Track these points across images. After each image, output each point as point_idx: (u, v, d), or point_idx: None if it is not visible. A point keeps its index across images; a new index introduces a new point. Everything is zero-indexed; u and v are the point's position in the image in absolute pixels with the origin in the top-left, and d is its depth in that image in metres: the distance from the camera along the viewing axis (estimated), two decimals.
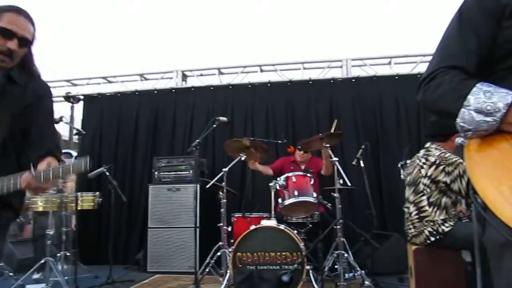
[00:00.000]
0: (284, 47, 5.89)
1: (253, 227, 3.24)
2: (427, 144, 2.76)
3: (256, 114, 5.28)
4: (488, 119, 0.85)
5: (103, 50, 6.51)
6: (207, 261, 3.75)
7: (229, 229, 3.73)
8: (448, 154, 2.55)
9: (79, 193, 4.04)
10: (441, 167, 2.53)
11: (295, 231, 3.30)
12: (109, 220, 4.35)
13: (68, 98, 5.29)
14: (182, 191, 4.55)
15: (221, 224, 3.66)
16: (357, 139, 4.85)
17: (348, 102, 5.09)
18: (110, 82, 6.04)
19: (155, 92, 5.69)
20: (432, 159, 2.60)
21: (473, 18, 0.97)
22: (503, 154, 0.85)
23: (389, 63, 5.34)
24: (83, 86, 6.06)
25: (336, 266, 3.40)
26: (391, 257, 3.82)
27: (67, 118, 4.11)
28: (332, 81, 5.25)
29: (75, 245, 3.99)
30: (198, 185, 4.06)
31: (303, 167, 4.14)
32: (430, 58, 1.07)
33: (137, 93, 5.74)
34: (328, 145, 3.48)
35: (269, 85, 5.39)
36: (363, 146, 3.99)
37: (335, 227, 3.26)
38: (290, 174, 3.58)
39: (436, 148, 2.65)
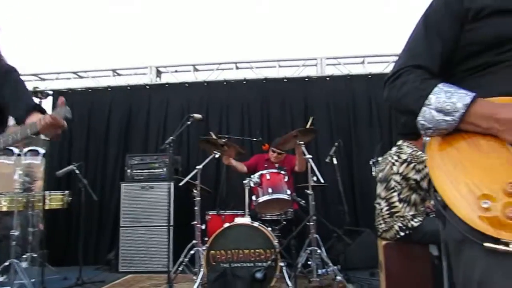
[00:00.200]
0: (260, 44, 5.87)
1: (227, 224, 3.23)
2: (399, 142, 2.82)
3: (231, 111, 5.26)
4: (448, 118, 0.87)
5: (73, 44, 6.28)
6: (180, 259, 3.72)
7: (203, 227, 3.70)
8: (420, 152, 2.62)
9: (47, 192, 3.90)
10: (412, 165, 2.60)
11: (269, 228, 3.31)
12: (79, 220, 4.22)
13: (35, 93, 5.02)
14: (156, 189, 4.48)
15: (195, 222, 3.63)
16: (331, 136, 4.92)
17: (322, 100, 5.15)
18: (81, 77, 5.85)
19: (128, 88, 5.56)
20: (404, 156, 2.66)
21: (438, 20, 0.99)
22: (461, 153, 0.87)
23: (363, 62, 5.43)
24: (52, 81, 5.85)
25: (309, 262, 3.44)
26: (362, 252, 3.91)
27: None
28: (307, 79, 5.30)
29: (43, 246, 3.85)
30: (172, 183, 4.00)
31: (277, 164, 4.16)
32: None
33: (109, 89, 5.59)
34: (302, 142, 3.50)
35: (244, 82, 5.37)
36: (336, 144, 4.05)
37: (308, 223, 3.30)
38: (264, 172, 3.59)
39: (408, 146, 2.71)
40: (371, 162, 3.94)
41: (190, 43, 6.07)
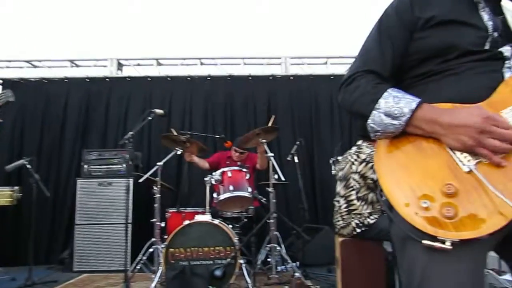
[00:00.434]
0: (225, 41, 5.83)
1: (186, 222, 3.19)
2: (359, 142, 2.89)
3: (195, 108, 5.20)
4: (395, 122, 0.91)
5: (27, 31, 5.93)
6: (139, 258, 3.63)
7: (163, 224, 3.63)
8: None
9: None
10: (370, 165, 2.68)
11: (230, 226, 3.31)
12: (30, 217, 4.00)
13: None
14: (114, 185, 4.33)
15: (155, 219, 3.56)
16: (293, 135, 5.00)
17: (285, 99, 5.22)
18: (35, 66, 5.55)
19: (87, 80, 5.34)
20: (363, 156, 2.74)
21: (390, 27, 1.03)
22: (406, 155, 0.92)
23: (326, 63, 5.56)
24: (2, 69, 5.50)
25: (269, 259, 3.49)
26: (321, 249, 4.00)
27: None
28: (271, 78, 5.34)
29: None
30: (131, 180, 3.90)
31: (239, 162, 4.16)
32: None
33: (66, 80, 5.34)
34: (264, 140, 3.53)
35: (208, 78, 5.33)
36: (297, 142, 4.11)
37: (268, 221, 3.33)
38: (225, 169, 3.58)
39: (367, 146, 2.79)
40: (331, 161, 4.04)
41: (154, 36, 5.92)
